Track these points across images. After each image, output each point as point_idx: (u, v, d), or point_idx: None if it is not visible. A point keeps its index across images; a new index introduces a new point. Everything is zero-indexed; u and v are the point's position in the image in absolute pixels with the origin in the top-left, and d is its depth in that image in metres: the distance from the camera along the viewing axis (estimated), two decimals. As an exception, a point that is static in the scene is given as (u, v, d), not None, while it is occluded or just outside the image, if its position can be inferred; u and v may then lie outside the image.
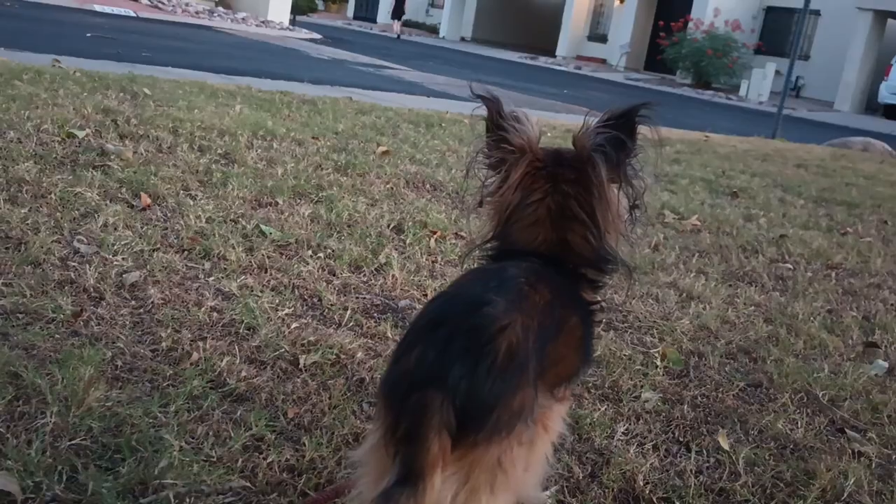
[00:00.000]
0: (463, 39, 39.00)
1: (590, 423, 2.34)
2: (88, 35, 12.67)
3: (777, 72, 25.60)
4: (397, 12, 35.38)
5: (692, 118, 14.28)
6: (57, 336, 2.33)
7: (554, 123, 9.34)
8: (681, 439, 2.39)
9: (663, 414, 2.51)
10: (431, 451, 1.27)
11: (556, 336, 1.49)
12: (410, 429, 1.29)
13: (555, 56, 34.10)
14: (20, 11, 15.16)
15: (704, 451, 2.33)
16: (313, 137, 5.69)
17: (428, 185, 4.89)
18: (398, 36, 33.80)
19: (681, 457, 2.29)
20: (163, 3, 22.73)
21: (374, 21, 39.52)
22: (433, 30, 41.23)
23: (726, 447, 2.34)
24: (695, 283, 3.78)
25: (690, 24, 28.48)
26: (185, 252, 3.15)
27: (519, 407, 1.34)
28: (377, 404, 1.47)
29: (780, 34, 29.40)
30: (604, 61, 33.73)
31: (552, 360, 1.47)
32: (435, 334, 1.37)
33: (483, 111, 1.78)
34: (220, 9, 25.19)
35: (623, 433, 2.34)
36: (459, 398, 1.29)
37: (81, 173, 3.83)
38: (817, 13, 28.60)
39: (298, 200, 4.08)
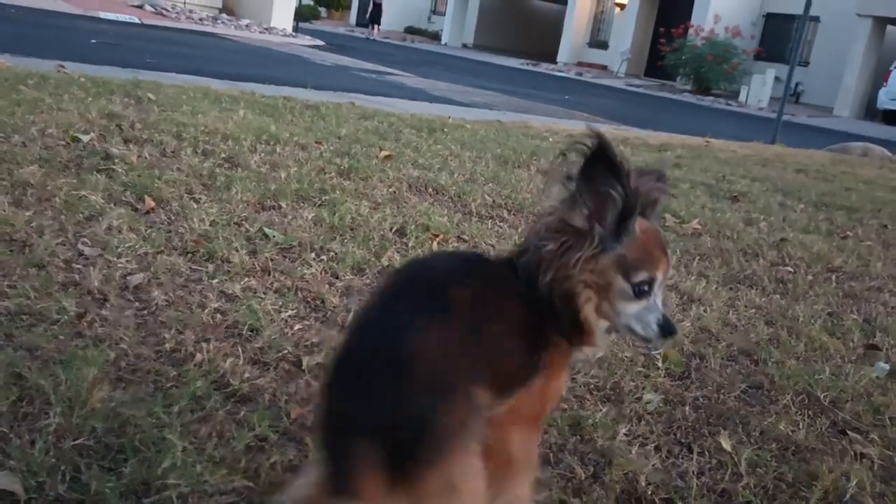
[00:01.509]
0: (465, 46, 39.08)
1: (592, 424, 2.35)
2: (93, 41, 12.72)
3: (777, 78, 25.63)
4: (374, 17, 36.49)
5: (692, 123, 14.30)
6: (61, 337, 2.34)
7: (556, 129, 9.37)
8: (683, 440, 2.39)
9: (665, 415, 2.52)
10: (364, 496, 1.28)
11: (491, 329, 1.46)
12: (339, 474, 1.32)
13: (556, 62, 34.16)
14: (25, 18, 15.22)
15: (706, 453, 2.33)
16: (316, 142, 5.71)
17: (430, 189, 4.91)
18: (369, 37, 35.16)
19: (683, 458, 2.29)
20: (167, 10, 22.81)
21: (378, 28, 39.58)
22: (435, 36, 41.31)
23: (728, 448, 2.35)
24: (696, 286, 3.79)
25: (691, 31, 28.52)
26: (189, 255, 3.16)
27: (454, 423, 1.34)
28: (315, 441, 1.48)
29: (779, 40, 29.46)
30: (605, 67, 33.79)
31: (494, 355, 1.46)
32: (351, 372, 1.40)
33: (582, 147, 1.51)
34: (224, 16, 25.27)
35: (625, 434, 2.34)
36: (387, 435, 1.31)
37: (86, 177, 3.85)
38: (817, 19, 28.65)
39: (302, 204, 4.09)
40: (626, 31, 33.29)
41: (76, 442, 1.86)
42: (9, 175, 3.65)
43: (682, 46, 27.99)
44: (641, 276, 1.57)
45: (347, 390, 1.38)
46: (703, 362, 2.97)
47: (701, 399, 2.67)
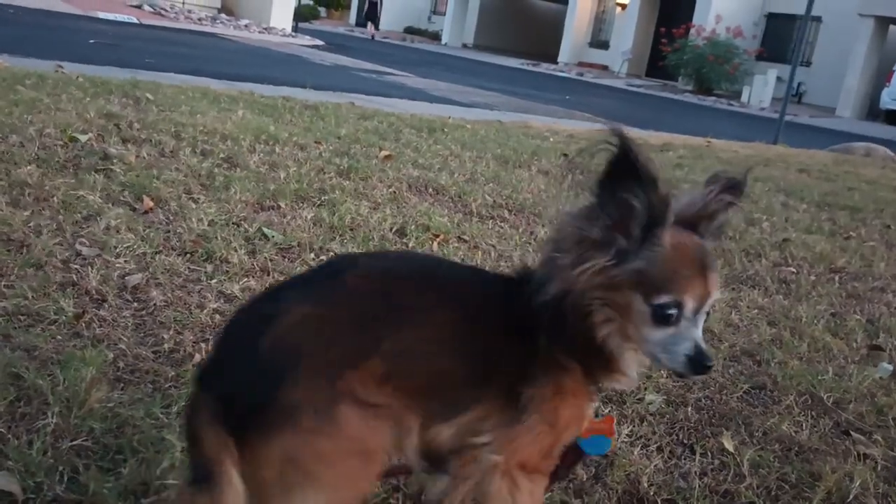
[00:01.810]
0: (465, 46, 39.07)
1: (593, 425, 2.33)
2: (91, 41, 12.71)
3: (779, 78, 25.62)
4: (370, 16, 37.07)
5: (694, 124, 14.28)
6: (59, 337, 2.33)
7: (556, 129, 9.35)
8: (685, 441, 2.38)
9: (667, 416, 2.50)
10: (212, 446, 1.28)
11: (389, 324, 1.40)
12: (189, 430, 1.33)
13: (556, 62, 34.14)
14: (24, 18, 15.21)
15: (709, 453, 2.32)
16: (316, 142, 5.69)
17: (430, 189, 4.89)
18: (373, 37, 35.33)
19: (685, 459, 2.28)
20: (165, 11, 22.80)
21: (375, 28, 39.61)
22: (435, 36, 41.30)
23: (731, 449, 2.33)
24: (698, 287, 3.76)
25: (692, 31, 28.51)
26: (188, 255, 3.15)
27: (303, 399, 1.29)
28: None
29: (781, 40, 29.42)
30: (605, 67, 33.77)
31: (406, 351, 1.39)
32: (223, 341, 1.43)
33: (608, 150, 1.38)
34: (223, 16, 25.26)
35: (627, 435, 2.33)
36: (230, 397, 1.30)
37: (84, 177, 3.83)
38: (819, 20, 28.63)
39: (301, 204, 4.07)
40: (628, 32, 33.28)
41: (74, 442, 1.84)
42: (6, 175, 3.64)
43: (684, 46, 27.98)
44: (664, 298, 1.39)
45: (215, 357, 1.42)
46: (705, 362, 2.94)
47: (703, 400, 2.65)
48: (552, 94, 17.74)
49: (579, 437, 1.61)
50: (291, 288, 1.47)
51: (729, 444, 2.35)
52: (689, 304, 1.40)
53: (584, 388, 1.51)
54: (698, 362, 1.41)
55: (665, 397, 2.60)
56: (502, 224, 4.43)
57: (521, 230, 4.34)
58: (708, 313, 1.46)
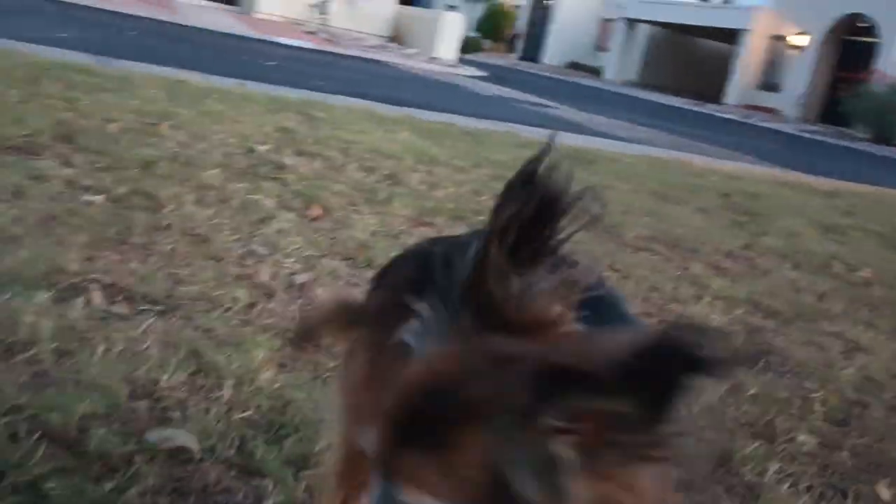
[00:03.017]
0: (627, 82, 38.72)
1: (741, 458, 2.28)
2: (270, 63, 13.54)
3: (967, 130, 23.85)
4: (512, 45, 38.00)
5: (870, 174, 13.52)
6: (233, 323, 2.52)
7: (717, 169, 9.14)
8: (837, 485, 2.28)
9: (820, 458, 2.41)
10: None
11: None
12: None
13: (721, 103, 33.23)
14: (213, 42, 16.41)
15: (862, 500, 2.22)
16: (473, 166, 5.84)
17: (584, 218, 4.90)
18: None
19: (836, 503, 2.19)
20: (339, 38, 23.95)
21: (538, 61, 39.97)
22: (597, 72, 41.18)
23: (887, 498, 2.23)
24: (862, 335, 3.60)
25: (874, 76, 27.04)
26: (350, 260, 3.33)
27: (371, 320, 1.30)
28: None
29: (972, 90, 27.38)
30: (774, 111, 32.53)
31: None
32: None
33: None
34: (392, 44, 26.24)
35: (775, 472, 2.26)
36: None
37: (260, 183, 4.13)
38: None
39: (456, 223, 4.20)
40: (801, 75, 31.97)
41: (244, 414, 2.01)
42: (194, 176, 3.97)
43: (863, 92, 26.56)
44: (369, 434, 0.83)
45: None
46: (865, 410, 2.82)
47: (860, 446, 2.54)
48: (716, 135, 17.27)
49: None
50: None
51: (885, 493, 2.25)
52: (372, 454, 0.81)
53: None
54: None
55: (819, 440, 2.51)
56: (655, 257, 4.39)
57: (674, 264, 4.29)
58: None
